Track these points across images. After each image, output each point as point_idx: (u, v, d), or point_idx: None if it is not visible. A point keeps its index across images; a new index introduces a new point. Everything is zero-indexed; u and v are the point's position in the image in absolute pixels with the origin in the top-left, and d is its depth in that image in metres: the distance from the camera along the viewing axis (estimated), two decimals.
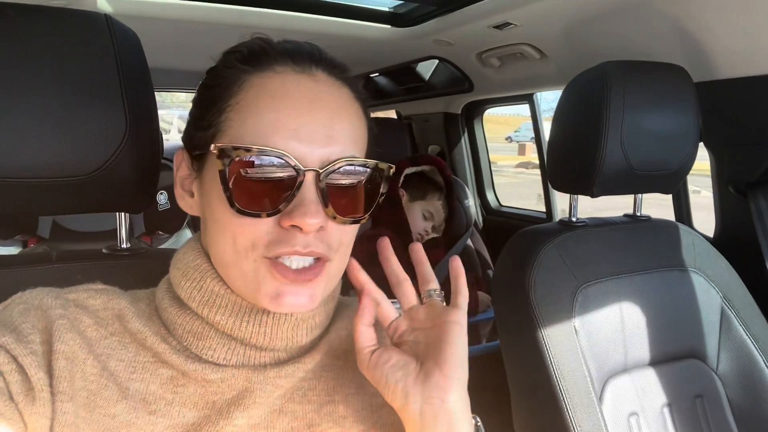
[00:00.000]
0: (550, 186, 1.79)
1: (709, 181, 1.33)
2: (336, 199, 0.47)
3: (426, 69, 2.43)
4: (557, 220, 1.14)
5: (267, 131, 0.45)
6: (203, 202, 0.50)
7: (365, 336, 0.49)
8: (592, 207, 1.25)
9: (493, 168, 2.75)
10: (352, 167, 0.47)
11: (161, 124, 0.82)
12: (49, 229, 2.10)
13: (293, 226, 0.45)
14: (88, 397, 0.45)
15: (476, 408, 0.50)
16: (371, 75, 2.60)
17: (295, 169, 0.44)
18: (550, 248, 0.99)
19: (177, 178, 0.53)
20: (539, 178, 2.20)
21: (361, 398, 0.53)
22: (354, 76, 0.53)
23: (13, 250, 2.11)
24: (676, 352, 1.03)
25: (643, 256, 1.06)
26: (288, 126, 0.45)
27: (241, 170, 0.45)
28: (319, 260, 0.48)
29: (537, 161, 2.30)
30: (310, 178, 0.45)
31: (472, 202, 2.29)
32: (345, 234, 0.49)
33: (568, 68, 1.57)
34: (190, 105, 0.53)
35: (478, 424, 0.53)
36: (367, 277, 0.51)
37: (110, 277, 0.57)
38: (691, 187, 1.58)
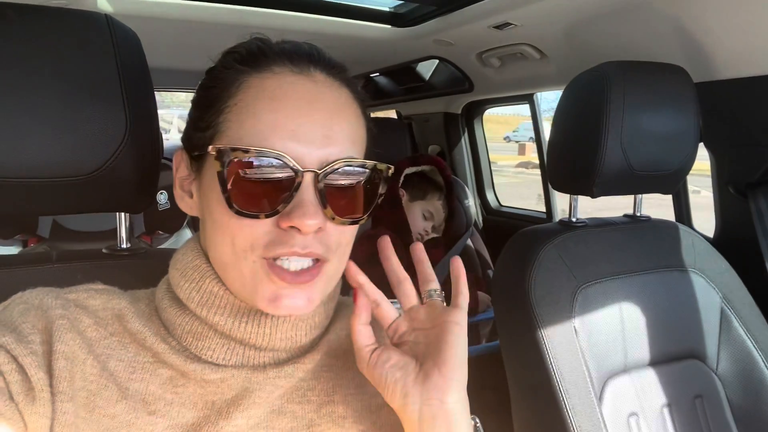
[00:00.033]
0: (550, 186, 1.79)
1: (708, 181, 1.33)
2: (335, 199, 0.46)
3: (426, 69, 2.43)
4: (557, 220, 1.14)
5: (265, 132, 0.45)
6: (202, 202, 0.50)
7: (363, 335, 0.49)
8: (592, 207, 1.25)
9: (493, 168, 2.75)
10: (350, 168, 0.47)
11: (161, 124, 0.82)
12: (49, 229, 2.10)
13: (292, 227, 0.45)
14: (87, 397, 0.45)
15: (476, 408, 0.50)
16: (371, 75, 2.60)
17: (293, 170, 0.44)
18: (550, 248, 0.99)
19: (176, 178, 0.53)
20: (539, 178, 2.20)
21: (360, 398, 0.53)
22: (354, 76, 0.53)
23: (13, 250, 2.11)
24: (675, 352, 1.03)
25: (643, 256, 1.06)
26: (286, 127, 0.45)
27: (240, 171, 0.44)
28: (318, 261, 0.48)
29: (537, 161, 2.30)
30: (308, 179, 0.45)
31: (472, 202, 2.29)
32: (343, 235, 0.49)
33: (568, 68, 1.57)
34: (190, 105, 0.53)
35: (477, 425, 0.53)
36: (366, 279, 0.51)
37: (110, 277, 0.57)
38: (690, 187, 1.58)
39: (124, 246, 0.75)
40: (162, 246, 2.37)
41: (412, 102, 2.78)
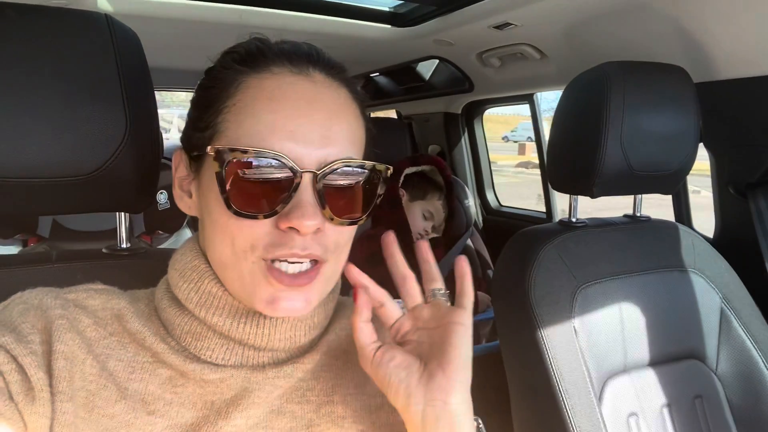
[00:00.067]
0: (550, 186, 1.79)
1: (708, 181, 1.33)
2: (333, 200, 0.46)
3: (426, 69, 2.43)
4: (557, 220, 1.14)
5: (264, 133, 0.45)
6: (201, 203, 0.50)
7: (365, 333, 0.49)
8: (592, 207, 1.25)
9: (492, 168, 2.75)
10: (349, 168, 0.47)
11: (161, 123, 0.82)
12: (49, 229, 2.10)
13: (291, 228, 0.44)
14: (87, 397, 0.45)
15: (476, 408, 0.49)
16: (371, 75, 2.60)
17: (292, 170, 0.44)
18: (550, 248, 0.99)
19: (175, 178, 0.53)
20: (539, 178, 2.20)
21: (359, 398, 0.53)
22: (354, 75, 0.53)
23: (13, 249, 2.11)
24: (675, 352, 1.03)
25: (642, 256, 1.06)
26: (285, 127, 0.45)
27: (238, 172, 0.44)
28: (316, 263, 0.47)
29: (537, 161, 2.30)
30: (307, 179, 0.45)
31: (472, 202, 2.29)
32: (342, 235, 0.49)
33: (569, 68, 1.57)
34: (189, 104, 0.53)
35: (480, 426, 0.52)
36: (370, 281, 0.51)
37: (110, 276, 0.57)
38: (690, 187, 1.58)
39: (124, 246, 0.75)
40: (162, 246, 2.37)
41: (412, 102, 2.78)
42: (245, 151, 0.44)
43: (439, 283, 0.51)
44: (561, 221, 1.11)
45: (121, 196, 0.67)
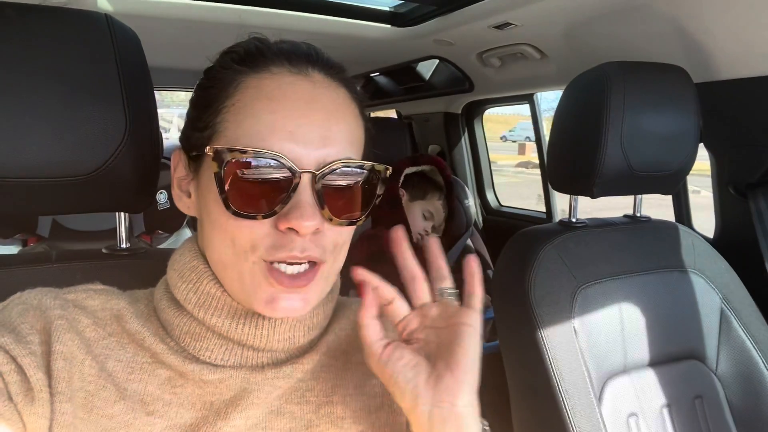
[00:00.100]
0: (550, 186, 1.79)
1: (708, 181, 1.33)
2: (332, 200, 0.46)
3: (426, 69, 2.43)
4: (557, 220, 1.14)
5: (263, 133, 0.44)
6: (200, 203, 0.50)
7: (373, 329, 0.47)
8: (591, 207, 1.25)
9: (492, 167, 2.75)
10: (348, 169, 0.47)
11: (161, 123, 0.82)
12: (49, 228, 2.10)
13: (290, 228, 0.44)
14: (86, 397, 0.45)
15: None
16: (371, 75, 2.60)
17: (290, 170, 0.44)
18: (550, 249, 0.99)
19: (174, 178, 0.53)
20: (539, 177, 2.20)
21: (359, 399, 0.53)
22: (354, 75, 0.53)
23: (12, 249, 2.11)
24: (675, 352, 1.03)
25: (643, 256, 1.06)
26: (284, 128, 0.45)
27: (237, 172, 0.44)
28: (314, 264, 0.47)
29: (537, 161, 2.30)
30: (306, 180, 0.45)
31: (472, 202, 2.29)
32: (340, 235, 0.49)
33: (569, 69, 1.57)
34: (188, 104, 0.53)
35: (486, 429, 0.52)
36: (380, 281, 0.49)
37: (110, 277, 0.57)
38: (690, 187, 1.58)
39: (123, 246, 0.75)
40: (162, 245, 2.37)
41: (412, 102, 2.78)
42: (244, 152, 0.44)
43: (448, 282, 0.50)
44: (561, 221, 1.11)
45: (121, 196, 0.67)
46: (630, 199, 1.16)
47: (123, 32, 0.63)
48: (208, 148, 0.45)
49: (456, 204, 1.94)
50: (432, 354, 0.47)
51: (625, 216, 1.17)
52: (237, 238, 0.46)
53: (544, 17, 1.36)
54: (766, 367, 1.02)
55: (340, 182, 0.47)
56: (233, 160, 0.44)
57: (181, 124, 0.54)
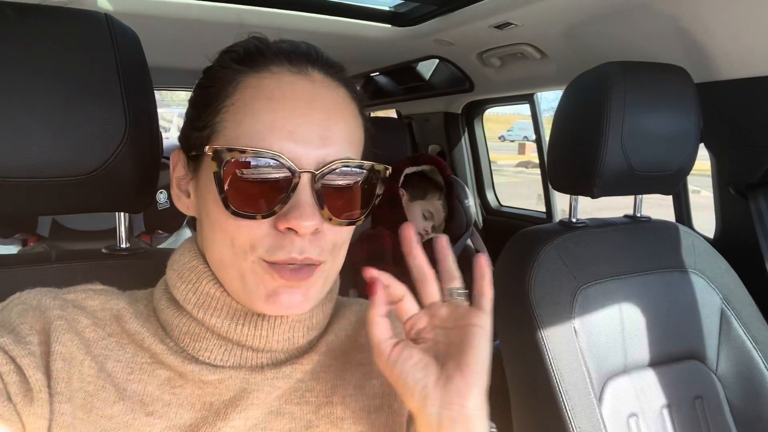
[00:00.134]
0: (550, 186, 1.79)
1: (708, 181, 1.33)
2: (332, 200, 0.46)
3: (426, 68, 2.43)
4: (557, 220, 1.13)
5: (263, 133, 0.44)
6: (199, 203, 0.50)
7: (382, 328, 0.46)
8: (591, 207, 1.25)
9: (492, 167, 2.75)
10: (348, 168, 0.47)
11: (160, 123, 0.82)
12: (49, 228, 2.10)
13: (289, 228, 0.44)
14: (85, 398, 0.45)
15: None
16: (371, 74, 2.60)
17: (290, 170, 0.44)
18: (550, 249, 0.99)
19: (173, 178, 0.53)
20: (539, 177, 2.20)
21: (359, 399, 0.53)
22: (354, 75, 0.53)
23: (12, 249, 2.11)
24: (675, 353, 1.03)
25: (643, 257, 1.06)
26: (284, 127, 0.44)
27: (237, 172, 0.44)
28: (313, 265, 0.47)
29: (537, 161, 2.30)
30: (305, 179, 0.45)
31: (472, 202, 2.29)
32: (339, 235, 0.49)
33: (569, 68, 1.57)
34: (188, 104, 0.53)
35: (493, 431, 0.52)
36: (391, 279, 0.49)
37: (109, 277, 0.57)
38: (690, 187, 1.58)
39: (123, 246, 0.75)
40: (162, 245, 2.37)
41: (413, 101, 2.78)
42: (243, 151, 0.44)
43: (457, 282, 0.49)
44: (561, 221, 1.11)
45: (121, 196, 0.67)
46: (630, 198, 1.16)
47: (123, 32, 0.63)
48: (207, 147, 0.45)
49: (456, 204, 1.94)
50: (441, 354, 0.46)
51: (626, 216, 1.17)
52: (236, 237, 0.46)
53: (545, 17, 1.36)
54: (766, 367, 1.02)
55: (340, 182, 0.47)
56: (232, 160, 0.44)
57: (181, 123, 0.54)
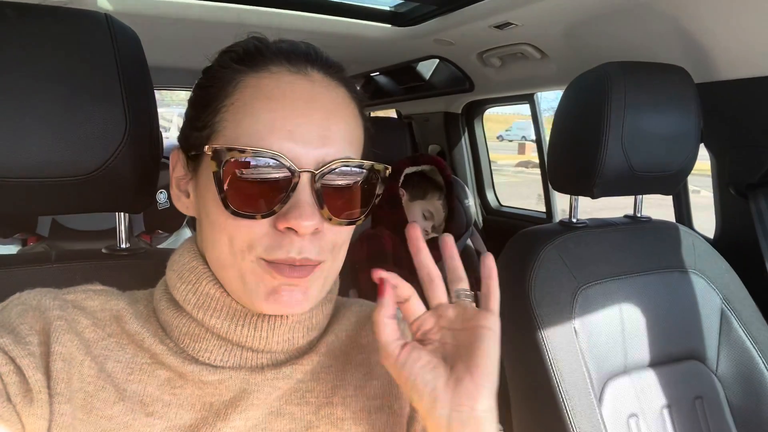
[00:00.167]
0: (550, 186, 1.79)
1: (708, 181, 1.33)
2: (331, 200, 0.46)
3: (426, 68, 2.43)
4: (557, 220, 1.13)
5: (262, 132, 0.44)
6: (199, 203, 0.50)
7: (390, 329, 0.45)
8: (591, 207, 1.25)
9: (492, 167, 2.75)
10: (347, 168, 0.47)
11: (160, 122, 0.82)
12: (49, 228, 2.10)
13: (288, 228, 0.44)
14: (85, 398, 0.45)
15: None
16: (371, 74, 2.60)
17: (290, 170, 0.44)
18: (550, 249, 0.99)
19: (173, 178, 0.53)
20: (539, 177, 2.20)
21: (359, 400, 0.53)
22: (354, 75, 0.53)
23: (12, 249, 2.11)
24: (675, 353, 1.03)
25: (643, 257, 1.06)
26: (284, 127, 0.44)
27: (236, 171, 0.44)
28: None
29: (537, 160, 2.30)
30: (305, 179, 0.45)
31: (472, 202, 2.29)
32: (339, 235, 0.49)
33: (569, 68, 1.57)
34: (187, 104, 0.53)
35: None
36: (398, 279, 0.48)
37: (109, 277, 0.57)
38: (690, 187, 1.58)
39: (123, 246, 0.75)
40: (162, 245, 2.37)
41: (413, 101, 2.78)
42: (243, 151, 0.44)
43: (464, 283, 0.49)
44: (561, 221, 1.11)
45: (121, 196, 0.67)
46: (630, 198, 1.16)
47: (123, 32, 0.63)
48: (206, 147, 0.45)
49: (456, 204, 1.94)
50: (449, 356, 0.45)
51: (626, 216, 1.17)
52: (235, 237, 0.46)
53: (545, 17, 1.36)
54: (766, 367, 1.02)
55: (340, 182, 0.47)
56: (232, 160, 0.44)
57: (181, 123, 0.54)
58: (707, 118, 1.16)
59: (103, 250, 0.74)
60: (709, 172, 1.34)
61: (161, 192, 2.20)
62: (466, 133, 2.66)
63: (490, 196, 2.69)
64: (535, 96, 2.14)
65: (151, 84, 0.67)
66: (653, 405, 0.98)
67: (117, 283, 0.55)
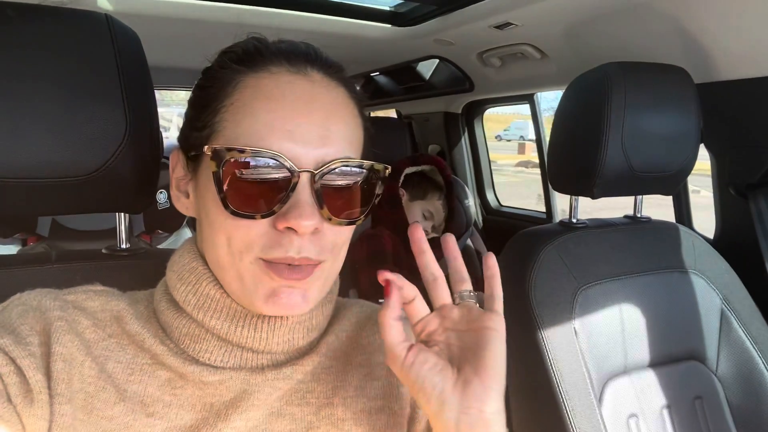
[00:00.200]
0: (550, 186, 1.79)
1: (708, 181, 1.33)
2: (331, 200, 0.46)
3: (426, 68, 2.43)
4: (557, 220, 1.13)
5: (262, 132, 0.44)
6: (198, 203, 0.50)
7: (395, 331, 0.45)
8: (591, 207, 1.25)
9: (492, 167, 2.75)
10: (347, 168, 0.47)
11: (161, 122, 0.82)
12: (49, 228, 2.10)
13: (288, 228, 0.44)
14: (85, 399, 0.45)
15: None
16: (371, 74, 2.60)
17: (289, 170, 0.44)
18: (550, 249, 0.99)
19: (173, 178, 0.53)
20: (539, 177, 2.20)
21: (359, 401, 0.53)
22: (354, 75, 0.53)
23: (12, 249, 2.11)
24: (675, 353, 1.03)
25: (643, 257, 1.06)
26: (283, 127, 0.44)
27: (236, 171, 0.44)
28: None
29: (537, 160, 2.30)
30: (304, 179, 0.45)
31: (472, 202, 2.29)
32: (339, 235, 0.49)
33: (569, 69, 1.57)
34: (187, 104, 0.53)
35: None
36: (403, 280, 0.48)
37: (110, 277, 0.57)
38: (690, 187, 1.58)
39: (123, 246, 0.75)
40: (162, 245, 2.36)
41: (412, 101, 2.78)
42: (243, 151, 0.44)
43: (467, 285, 0.48)
44: (561, 222, 1.11)
45: (121, 197, 0.67)
46: (629, 198, 1.16)
47: (123, 32, 0.63)
48: (206, 147, 0.45)
49: (456, 204, 1.94)
50: (455, 358, 0.45)
51: (626, 216, 1.17)
52: (234, 238, 0.46)
53: (545, 17, 1.36)
54: (766, 367, 1.02)
55: (339, 182, 0.47)
56: (232, 160, 0.44)
57: (181, 123, 0.54)
58: (707, 119, 1.16)
59: (104, 251, 0.74)
60: (709, 172, 1.34)
61: (161, 192, 2.20)
62: (466, 133, 2.66)
63: (490, 196, 2.69)
64: (535, 96, 2.14)
65: (152, 84, 0.67)
66: (653, 405, 0.98)
67: (117, 284, 0.55)
